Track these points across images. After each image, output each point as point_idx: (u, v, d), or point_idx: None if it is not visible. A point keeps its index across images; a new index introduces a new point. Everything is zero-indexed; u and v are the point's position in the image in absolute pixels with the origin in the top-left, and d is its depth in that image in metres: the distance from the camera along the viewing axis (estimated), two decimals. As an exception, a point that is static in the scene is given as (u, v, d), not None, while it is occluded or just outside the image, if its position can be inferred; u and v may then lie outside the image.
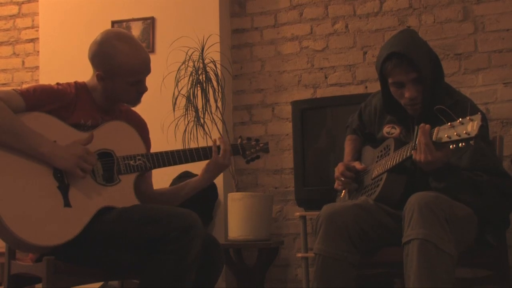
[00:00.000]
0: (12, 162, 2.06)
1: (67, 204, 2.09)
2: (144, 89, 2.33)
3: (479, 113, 1.94)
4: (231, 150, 2.38)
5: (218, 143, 2.36)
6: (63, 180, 2.12)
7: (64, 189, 2.11)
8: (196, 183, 2.42)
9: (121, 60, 2.22)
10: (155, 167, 2.30)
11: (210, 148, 2.36)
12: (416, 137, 2.10)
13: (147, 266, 2.05)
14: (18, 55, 4.57)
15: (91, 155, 2.14)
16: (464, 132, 1.92)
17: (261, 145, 2.48)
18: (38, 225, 2.04)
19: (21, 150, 2.07)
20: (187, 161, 2.32)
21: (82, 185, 2.14)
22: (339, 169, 2.50)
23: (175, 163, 2.31)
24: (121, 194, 2.19)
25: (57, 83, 2.27)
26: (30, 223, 2.02)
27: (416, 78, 2.26)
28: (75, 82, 2.30)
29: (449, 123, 1.99)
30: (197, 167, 2.55)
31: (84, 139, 2.16)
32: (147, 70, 2.30)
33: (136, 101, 2.36)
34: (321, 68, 3.93)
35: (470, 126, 1.91)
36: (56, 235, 2.05)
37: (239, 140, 2.47)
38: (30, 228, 2.02)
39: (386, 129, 2.47)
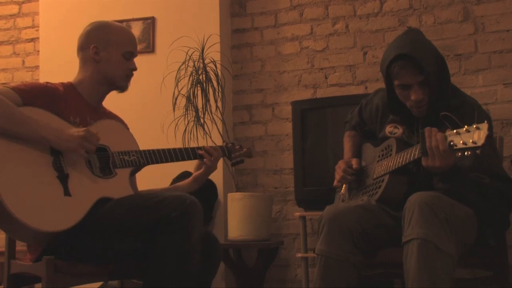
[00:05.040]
0: (12, 152, 2.09)
1: (67, 193, 2.12)
2: (135, 67, 2.41)
3: (485, 121, 1.92)
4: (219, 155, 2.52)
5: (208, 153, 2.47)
6: (62, 170, 2.15)
7: (63, 179, 2.14)
8: (184, 190, 2.49)
9: (115, 30, 2.39)
10: (148, 164, 2.36)
11: (202, 155, 2.47)
12: (424, 141, 2.07)
13: (152, 250, 2.07)
14: (18, 54, 4.57)
15: (93, 136, 2.18)
16: (471, 141, 1.91)
17: (244, 150, 2.63)
18: (40, 211, 2.06)
19: (23, 135, 2.10)
20: (177, 160, 2.42)
21: (80, 176, 2.18)
22: (341, 167, 2.50)
23: (166, 161, 2.39)
24: (118, 186, 2.24)
25: (46, 82, 2.32)
26: (33, 210, 2.04)
27: (422, 80, 2.24)
28: (61, 82, 2.36)
29: (455, 130, 1.98)
30: (197, 167, 2.56)
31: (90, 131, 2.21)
32: (136, 45, 2.44)
33: (126, 80, 2.42)
34: (321, 68, 3.93)
35: (477, 135, 1.90)
36: (58, 222, 2.07)
37: (224, 143, 2.61)
38: (33, 214, 2.03)
39: (388, 129, 2.46)
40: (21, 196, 2.04)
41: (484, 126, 1.90)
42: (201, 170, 2.50)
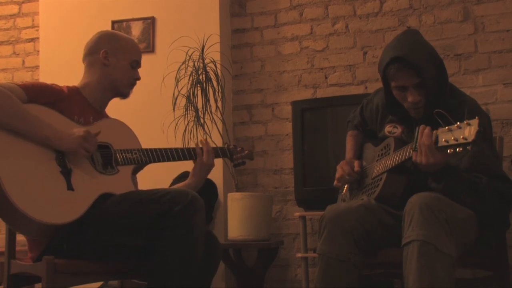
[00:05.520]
0: (17, 147, 2.11)
1: (70, 187, 2.15)
2: (139, 77, 2.48)
3: (477, 117, 1.92)
4: (214, 151, 2.53)
5: (200, 145, 2.50)
6: (66, 165, 2.18)
7: (66, 173, 2.16)
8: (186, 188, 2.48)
9: (124, 39, 2.48)
10: (150, 162, 2.39)
11: (201, 148, 2.50)
12: (417, 138, 2.10)
13: (155, 245, 2.09)
14: (18, 54, 4.57)
15: (93, 136, 2.22)
16: (462, 137, 1.91)
17: (246, 152, 2.67)
18: (44, 204, 2.08)
19: (26, 133, 2.13)
20: (179, 159, 2.45)
21: (83, 172, 2.21)
22: (343, 168, 2.50)
23: (168, 160, 2.43)
24: (120, 183, 2.27)
25: (53, 84, 2.36)
26: (36, 202, 2.06)
27: (419, 82, 2.24)
28: (67, 86, 2.40)
29: (447, 127, 1.98)
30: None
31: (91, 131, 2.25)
32: (141, 55, 2.51)
33: (130, 88, 2.48)
34: (321, 68, 3.93)
35: (468, 131, 1.90)
36: (61, 215, 2.09)
37: (225, 145, 2.66)
38: (36, 206, 2.05)
39: (387, 128, 2.46)
40: (25, 189, 2.06)
41: (475, 122, 1.90)
42: (195, 166, 2.51)
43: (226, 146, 2.65)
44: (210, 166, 2.50)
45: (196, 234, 2.09)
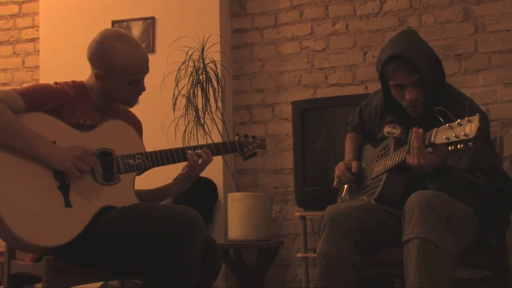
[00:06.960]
0: (13, 162, 2.06)
1: (67, 204, 2.09)
2: (142, 89, 2.32)
3: (477, 114, 1.93)
4: (223, 147, 2.40)
5: (198, 154, 2.33)
6: (64, 180, 2.11)
7: (64, 189, 2.10)
8: (168, 191, 2.43)
9: (119, 60, 2.21)
10: (154, 166, 2.30)
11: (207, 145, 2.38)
12: (410, 141, 2.11)
13: (151, 264, 2.06)
14: (18, 54, 4.57)
15: (89, 156, 2.14)
16: (463, 133, 1.92)
17: (258, 141, 2.49)
18: (39, 225, 2.03)
19: (21, 150, 2.06)
20: (185, 160, 2.33)
21: (82, 185, 2.13)
22: (340, 168, 2.51)
23: (173, 162, 2.32)
24: (121, 194, 2.19)
25: (55, 83, 2.26)
26: (31, 224, 2.02)
27: (417, 80, 2.25)
28: (73, 82, 2.29)
29: (447, 124, 1.99)
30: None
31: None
32: (145, 69, 2.29)
33: (133, 101, 2.36)
34: (321, 68, 3.93)
35: (468, 128, 1.91)
36: (57, 236, 2.05)
37: (236, 138, 2.49)
38: (31, 228, 2.01)
39: (386, 129, 2.47)
40: (20, 209, 2.02)
41: (476, 118, 1.91)
42: (185, 170, 2.37)
43: (237, 139, 2.47)
44: (198, 174, 2.37)
45: (193, 257, 2.05)
